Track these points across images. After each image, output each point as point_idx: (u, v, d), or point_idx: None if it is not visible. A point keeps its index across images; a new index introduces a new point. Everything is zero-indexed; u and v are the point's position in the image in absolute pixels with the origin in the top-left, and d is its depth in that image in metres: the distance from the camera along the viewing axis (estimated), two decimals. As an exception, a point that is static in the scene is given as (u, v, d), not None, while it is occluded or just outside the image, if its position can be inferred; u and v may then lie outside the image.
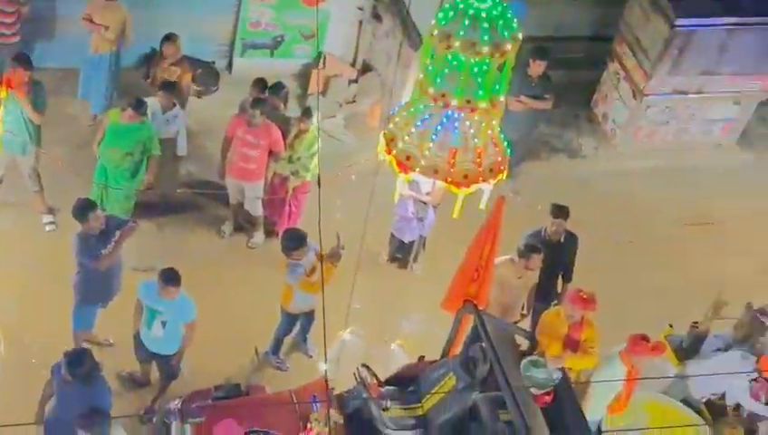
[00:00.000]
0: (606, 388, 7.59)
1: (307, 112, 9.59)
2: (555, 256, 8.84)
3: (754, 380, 8.26)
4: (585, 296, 7.75)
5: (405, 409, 7.30)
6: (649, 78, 11.63)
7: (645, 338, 7.55)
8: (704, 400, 8.39)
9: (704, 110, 12.19)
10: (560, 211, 8.85)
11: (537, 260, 8.44)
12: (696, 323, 8.72)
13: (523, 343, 7.72)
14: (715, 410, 8.32)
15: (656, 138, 12.29)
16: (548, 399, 7.02)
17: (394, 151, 6.97)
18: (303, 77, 11.87)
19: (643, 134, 12.22)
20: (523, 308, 8.82)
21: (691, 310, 8.94)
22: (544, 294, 8.98)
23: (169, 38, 9.96)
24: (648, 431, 7.88)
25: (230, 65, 11.84)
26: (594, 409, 7.62)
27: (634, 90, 11.89)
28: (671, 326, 8.94)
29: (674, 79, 11.71)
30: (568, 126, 12.43)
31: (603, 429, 7.63)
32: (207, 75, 11.43)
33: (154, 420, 7.56)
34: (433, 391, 7.34)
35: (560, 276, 9.13)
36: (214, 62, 11.64)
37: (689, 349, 8.75)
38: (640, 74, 11.74)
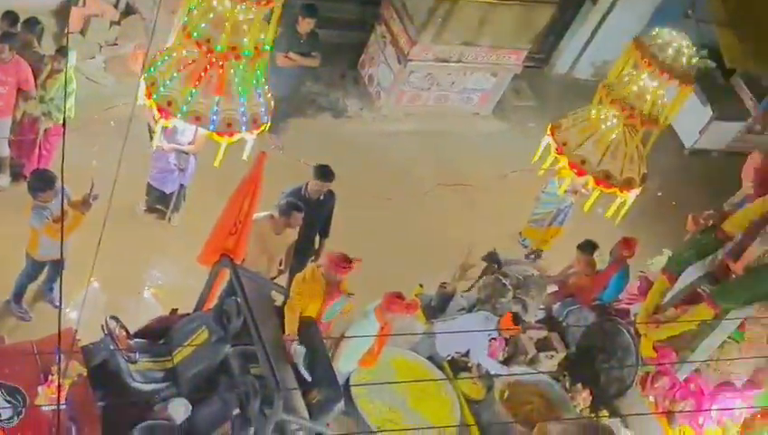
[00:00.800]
0: (358, 343, 7.75)
1: (62, 51, 9.08)
2: (314, 214, 8.90)
3: (493, 339, 8.73)
4: (345, 266, 7.90)
5: (154, 361, 7.14)
6: (414, 44, 11.92)
7: (400, 296, 7.71)
8: (449, 357, 8.76)
9: (463, 79, 12.65)
10: (323, 174, 8.88)
11: (298, 218, 8.47)
12: (445, 283, 9.08)
13: (279, 299, 7.74)
14: (457, 368, 8.70)
15: (418, 102, 12.63)
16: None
17: (155, 96, 6.76)
18: (61, 14, 11.22)
19: (406, 98, 12.53)
20: (280, 264, 8.84)
21: (442, 269, 9.31)
22: (303, 251, 9.04)
23: None
24: (394, 386, 8.15)
25: (-22, -5, 11.00)
26: (345, 362, 7.78)
27: (399, 54, 12.14)
28: (421, 286, 9.26)
29: (436, 47, 12.06)
30: (335, 85, 12.53)
31: (352, 382, 7.81)
32: (-49, 4, 10.55)
33: None
34: (185, 344, 7.23)
35: (318, 233, 9.23)
36: (-41, -10, 10.76)
37: (437, 308, 9.11)
38: (405, 40, 12.00)
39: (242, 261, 7.78)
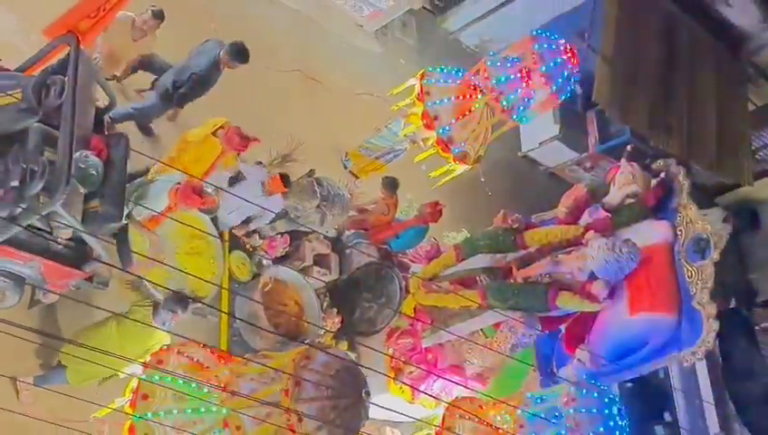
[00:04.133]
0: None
1: None
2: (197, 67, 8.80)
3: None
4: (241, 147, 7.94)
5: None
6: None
7: (197, 191, 7.57)
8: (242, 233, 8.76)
9: (363, -12, 12.51)
10: (240, 53, 8.82)
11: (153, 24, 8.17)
12: (260, 161, 9.06)
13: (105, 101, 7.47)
14: (237, 244, 8.73)
15: (306, -13, 12.35)
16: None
17: None
18: None
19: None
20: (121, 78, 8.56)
21: (263, 153, 9.12)
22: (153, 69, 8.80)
23: None
24: (169, 235, 8.06)
25: None
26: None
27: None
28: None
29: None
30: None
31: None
32: None
33: None
34: (-6, 94, 6.84)
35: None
36: None
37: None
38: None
39: (88, 47, 7.42)
